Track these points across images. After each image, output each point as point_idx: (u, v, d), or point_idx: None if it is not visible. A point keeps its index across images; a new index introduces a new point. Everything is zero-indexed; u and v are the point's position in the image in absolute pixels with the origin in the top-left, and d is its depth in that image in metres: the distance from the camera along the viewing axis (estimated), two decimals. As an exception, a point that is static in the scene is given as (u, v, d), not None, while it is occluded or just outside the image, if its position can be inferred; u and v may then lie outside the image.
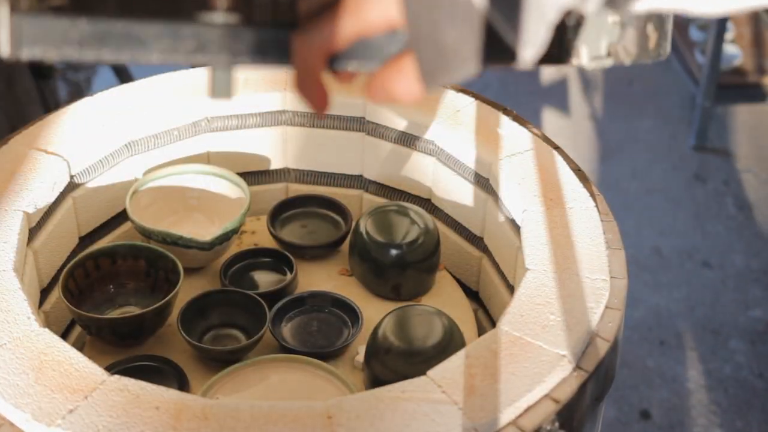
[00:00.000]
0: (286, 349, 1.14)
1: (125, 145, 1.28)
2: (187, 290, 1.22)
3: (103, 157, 1.25)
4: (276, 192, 1.42)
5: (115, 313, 1.18)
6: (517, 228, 1.14)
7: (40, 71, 2.34)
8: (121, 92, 1.32)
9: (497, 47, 0.52)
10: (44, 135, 1.23)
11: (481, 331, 1.24)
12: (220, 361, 1.12)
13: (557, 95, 3.09)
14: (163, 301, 1.11)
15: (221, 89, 0.63)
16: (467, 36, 0.51)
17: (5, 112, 2.42)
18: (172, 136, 1.32)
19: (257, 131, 1.36)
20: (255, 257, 1.28)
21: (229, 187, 1.30)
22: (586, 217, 1.13)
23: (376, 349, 1.08)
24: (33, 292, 1.13)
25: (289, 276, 1.25)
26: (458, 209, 1.29)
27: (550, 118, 2.99)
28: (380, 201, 1.37)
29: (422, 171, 1.32)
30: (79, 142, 1.22)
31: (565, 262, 1.06)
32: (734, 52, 2.91)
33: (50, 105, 2.38)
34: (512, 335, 0.97)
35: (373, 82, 0.58)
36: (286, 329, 1.18)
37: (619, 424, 2.06)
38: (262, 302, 1.16)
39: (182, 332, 1.12)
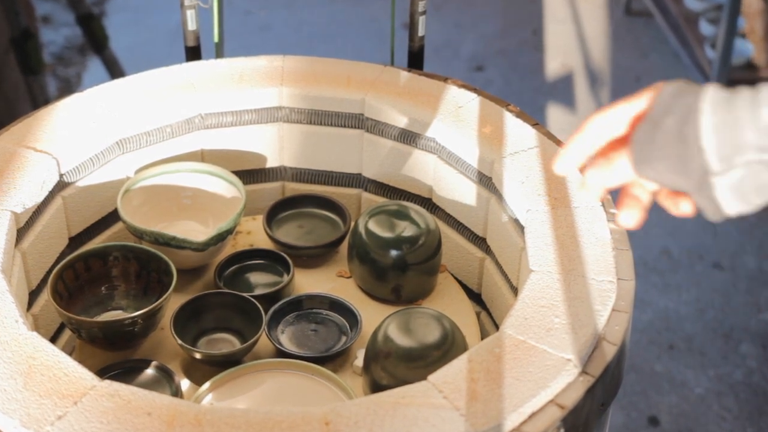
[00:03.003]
0: (282, 353, 1.14)
1: (116, 142, 1.28)
2: (180, 292, 1.22)
3: (93, 155, 1.25)
4: (272, 191, 1.42)
5: (105, 316, 1.18)
6: (520, 228, 1.14)
7: (29, 66, 2.34)
8: (112, 88, 1.32)
9: None
10: (33, 132, 1.23)
11: (483, 335, 1.24)
12: (214, 365, 1.12)
13: (562, 91, 3.10)
14: (155, 304, 1.11)
15: None
16: None
17: (-7, 108, 2.42)
18: (165, 133, 1.32)
19: (253, 128, 1.37)
20: (250, 258, 1.28)
21: (223, 186, 1.30)
22: (592, 217, 1.13)
23: (375, 353, 1.08)
24: (21, 294, 1.13)
25: (285, 278, 1.25)
26: (460, 209, 1.29)
27: (555, 115, 2.99)
28: (380, 200, 1.37)
29: (423, 169, 1.32)
30: (69, 140, 1.22)
31: (570, 264, 1.06)
32: (745, 46, 2.91)
33: (39, 101, 2.38)
34: (516, 339, 0.97)
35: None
36: (283, 333, 1.18)
37: (627, 430, 2.07)
38: (258, 305, 1.16)
39: (175, 336, 1.12)
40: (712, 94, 0.74)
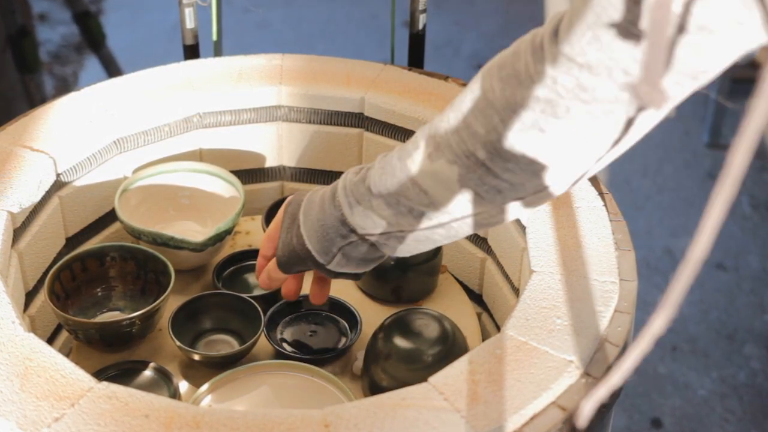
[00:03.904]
0: (281, 355, 1.14)
1: (114, 141, 1.28)
2: (178, 293, 1.22)
3: (90, 154, 1.25)
4: (271, 191, 1.42)
5: (103, 317, 1.18)
6: (522, 228, 1.14)
7: (26, 65, 2.34)
8: (110, 87, 1.32)
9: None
10: (29, 131, 1.23)
11: (484, 336, 1.24)
12: (213, 367, 1.12)
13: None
14: (153, 305, 1.11)
15: None
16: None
17: (-11, 107, 2.42)
18: (163, 132, 1.32)
19: (251, 127, 1.37)
20: (249, 259, 1.28)
21: (222, 186, 1.30)
22: (595, 217, 1.13)
23: (375, 354, 1.08)
24: (18, 295, 1.14)
25: (284, 278, 1.25)
26: (461, 209, 1.29)
27: (558, 114, 2.99)
28: (380, 200, 1.37)
29: (424, 169, 1.32)
30: (66, 139, 1.22)
31: (572, 264, 1.06)
32: (749, 44, 2.91)
33: (36, 100, 2.39)
34: (517, 340, 0.97)
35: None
36: (282, 334, 1.18)
37: (630, 432, 2.07)
38: (257, 305, 1.16)
39: (173, 337, 1.12)
40: (308, 197, 0.99)
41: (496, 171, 0.85)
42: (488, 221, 0.91)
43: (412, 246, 0.95)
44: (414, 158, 0.90)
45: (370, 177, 0.93)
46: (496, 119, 0.83)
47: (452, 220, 0.90)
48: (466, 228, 0.92)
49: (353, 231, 0.95)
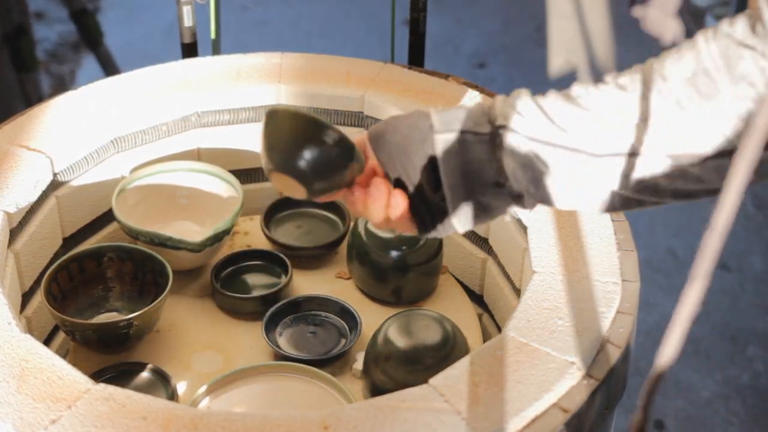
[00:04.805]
0: (280, 356, 1.14)
1: (111, 141, 1.28)
2: (176, 294, 1.22)
3: (88, 153, 1.25)
4: (270, 191, 1.42)
5: (100, 318, 1.18)
6: (523, 228, 1.14)
7: (23, 63, 2.34)
8: (107, 86, 1.32)
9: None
10: (26, 130, 1.23)
11: (485, 337, 1.24)
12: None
13: (566, 88, 3.09)
14: (151, 306, 1.11)
15: None
16: None
17: (-15, 106, 2.42)
18: (161, 131, 1.32)
19: (250, 126, 1.37)
20: (248, 259, 1.28)
21: (220, 186, 1.30)
22: (596, 217, 1.13)
23: (375, 356, 1.08)
24: (14, 296, 1.14)
25: (283, 279, 1.25)
26: (462, 209, 1.29)
27: (559, 113, 2.99)
28: (380, 200, 1.37)
29: (424, 168, 1.32)
30: (63, 138, 1.22)
31: (574, 265, 1.06)
32: (753, 43, 2.91)
33: (32, 99, 2.39)
34: (518, 341, 0.97)
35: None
36: (281, 335, 1.18)
37: (632, 434, 2.06)
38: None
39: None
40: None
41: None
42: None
43: (558, 177, 0.82)
44: (613, 84, 0.87)
45: (552, 93, 0.89)
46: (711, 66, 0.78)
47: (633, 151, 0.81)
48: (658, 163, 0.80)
49: (493, 121, 0.84)
